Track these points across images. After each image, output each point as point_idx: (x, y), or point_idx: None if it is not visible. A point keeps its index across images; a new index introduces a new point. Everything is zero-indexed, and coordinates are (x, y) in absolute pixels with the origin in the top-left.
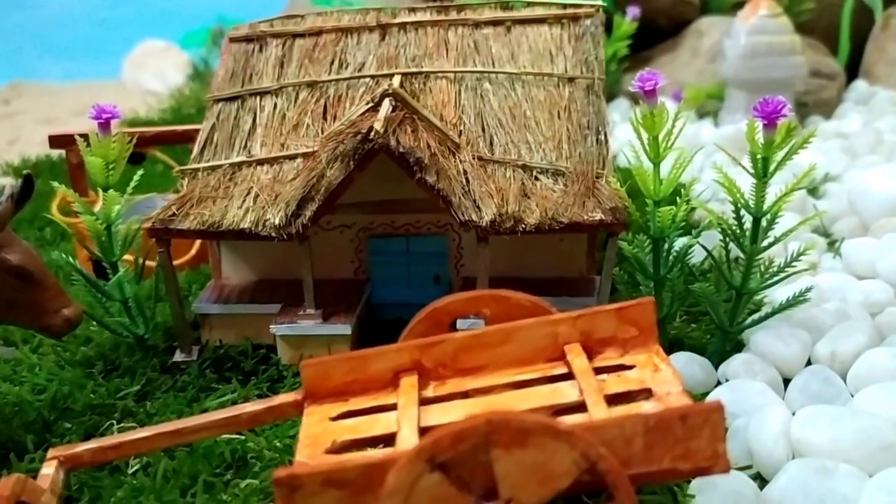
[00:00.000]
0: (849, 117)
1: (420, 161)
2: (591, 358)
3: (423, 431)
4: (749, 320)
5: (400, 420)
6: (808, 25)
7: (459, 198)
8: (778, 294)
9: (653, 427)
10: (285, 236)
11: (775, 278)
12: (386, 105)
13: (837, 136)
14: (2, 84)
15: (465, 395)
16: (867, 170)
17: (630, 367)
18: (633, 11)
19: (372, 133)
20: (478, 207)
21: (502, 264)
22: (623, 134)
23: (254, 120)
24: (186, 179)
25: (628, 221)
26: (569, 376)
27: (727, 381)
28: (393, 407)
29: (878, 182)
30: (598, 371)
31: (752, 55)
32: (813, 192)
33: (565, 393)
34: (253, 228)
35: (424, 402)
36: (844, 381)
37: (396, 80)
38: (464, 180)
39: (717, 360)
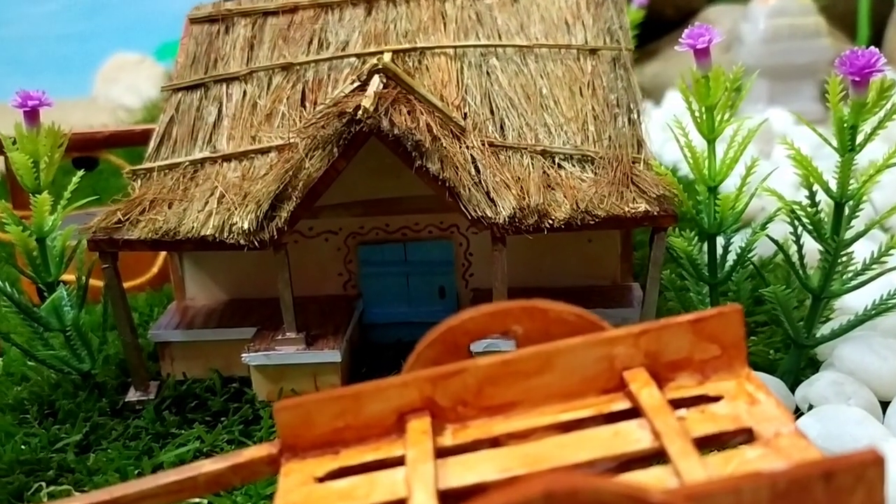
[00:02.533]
0: None
1: (420, 145)
2: (661, 387)
3: (442, 496)
4: (829, 331)
5: (410, 480)
6: (827, 10)
7: (470, 190)
8: (851, 300)
9: (783, 492)
10: (257, 244)
11: (860, 278)
12: (375, 82)
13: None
14: None
15: (495, 441)
16: None
17: (716, 399)
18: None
19: (360, 112)
20: (492, 201)
21: (519, 272)
22: None
23: (219, 110)
24: (139, 181)
25: (679, 213)
26: (634, 413)
27: (810, 407)
28: (399, 461)
29: None
30: (674, 405)
31: (773, 39)
32: None
33: (634, 437)
34: (217, 235)
35: (441, 453)
36: None
37: (387, 58)
38: (473, 169)
39: (792, 380)
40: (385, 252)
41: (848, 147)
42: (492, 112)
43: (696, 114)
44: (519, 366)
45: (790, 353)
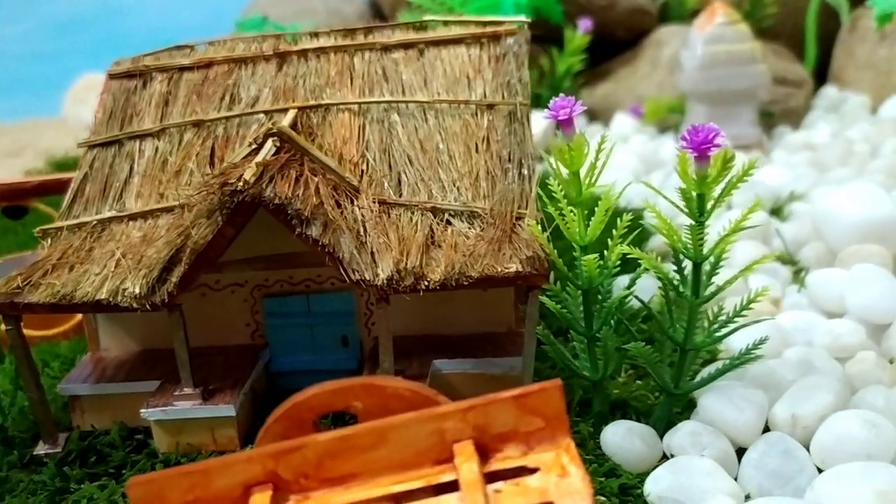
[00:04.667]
0: (817, 127)
1: (299, 213)
2: (488, 457)
3: None
4: (698, 379)
5: None
6: (772, 31)
7: (352, 253)
8: (738, 341)
9: None
10: (148, 307)
11: (723, 331)
12: (268, 147)
13: (806, 147)
14: None
15: None
16: (836, 186)
17: (534, 471)
18: (585, 24)
19: (240, 183)
20: (374, 263)
21: (419, 320)
22: None
23: (131, 167)
24: (49, 240)
25: (548, 272)
26: (458, 485)
27: (672, 456)
28: None
29: (843, 204)
30: (494, 476)
31: (710, 66)
32: (777, 212)
33: None
34: (111, 300)
35: None
36: (809, 449)
37: (290, 116)
38: (361, 230)
39: (664, 427)
40: (289, 304)
41: (697, 214)
42: (390, 168)
43: (563, 178)
44: (355, 441)
45: (662, 402)
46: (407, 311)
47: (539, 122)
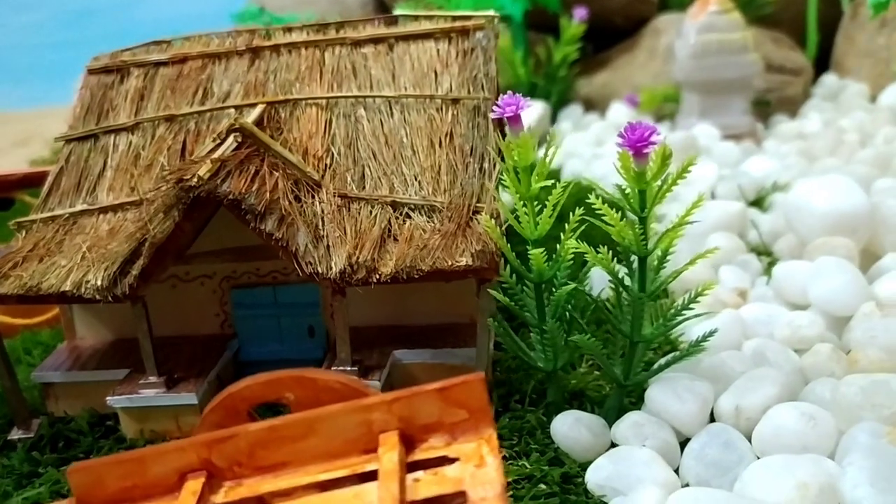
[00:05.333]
0: (810, 116)
1: (253, 208)
2: (414, 447)
3: None
4: (648, 371)
5: None
6: (773, 18)
7: (306, 247)
8: (696, 332)
9: None
10: (111, 299)
11: (671, 323)
12: (228, 143)
13: (798, 137)
14: None
15: (260, 500)
16: (821, 177)
17: (455, 460)
18: (580, 13)
19: (194, 179)
20: (330, 256)
21: (384, 311)
22: (571, 144)
23: (105, 161)
24: (24, 232)
25: (498, 266)
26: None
27: (617, 446)
28: None
29: (813, 196)
30: (417, 466)
31: (702, 55)
32: (759, 203)
33: (368, 499)
34: (74, 291)
35: None
36: (751, 441)
37: (256, 112)
38: (320, 224)
39: (615, 417)
40: (256, 295)
41: (639, 210)
42: (355, 162)
43: (513, 175)
44: (285, 431)
45: (613, 392)
46: (372, 302)
47: (534, 109)
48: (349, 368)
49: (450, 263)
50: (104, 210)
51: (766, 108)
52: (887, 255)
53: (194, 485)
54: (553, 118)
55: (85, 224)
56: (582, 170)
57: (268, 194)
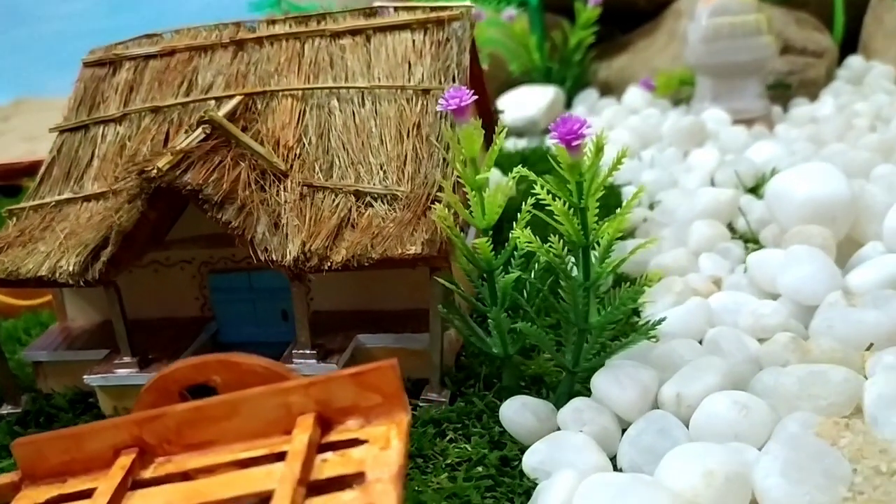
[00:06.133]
0: (824, 100)
1: (210, 198)
2: (330, 429)
3: None
4: (596, 360)
5: None
6: (800, 1)
7: (263, 234)
8: (669, 323)
9: None
10: (82, 283)
11: (617, 311)
12: (195, 134)
13: (811, 121)
14: (7, 100)
15: (185, 475)
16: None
17: (364, 442)
18: None
19: (154, 171)
20: (287, 244)
21: (351, 296)
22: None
23: (93, 151)
24: (15, 219)
25: (448, 254)
26: None
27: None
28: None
29: (793, 184)
30: (331, 447)
31: (713, 38)
32: (755, 190)
33: (276, 478)
34: (49, 276)
35: (139, 484)
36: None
37: (232, 103)
38: (281, 213)
39: (565, 402)
40: (232, 280)
41: (577, 200)
42: (325, 152)
43: (461, 165)
44: (209, 411)
45: (563, 379)
46: (339, 287)
47: (546, 94)
48: (308, 352)
49: (399, 252)
50: (87, 198)
51: (786, 92)
52: (868, 243)
53: (125, 460)
54: (568, 103)
55: (69, 212)
56: None
57: (226, 185)
